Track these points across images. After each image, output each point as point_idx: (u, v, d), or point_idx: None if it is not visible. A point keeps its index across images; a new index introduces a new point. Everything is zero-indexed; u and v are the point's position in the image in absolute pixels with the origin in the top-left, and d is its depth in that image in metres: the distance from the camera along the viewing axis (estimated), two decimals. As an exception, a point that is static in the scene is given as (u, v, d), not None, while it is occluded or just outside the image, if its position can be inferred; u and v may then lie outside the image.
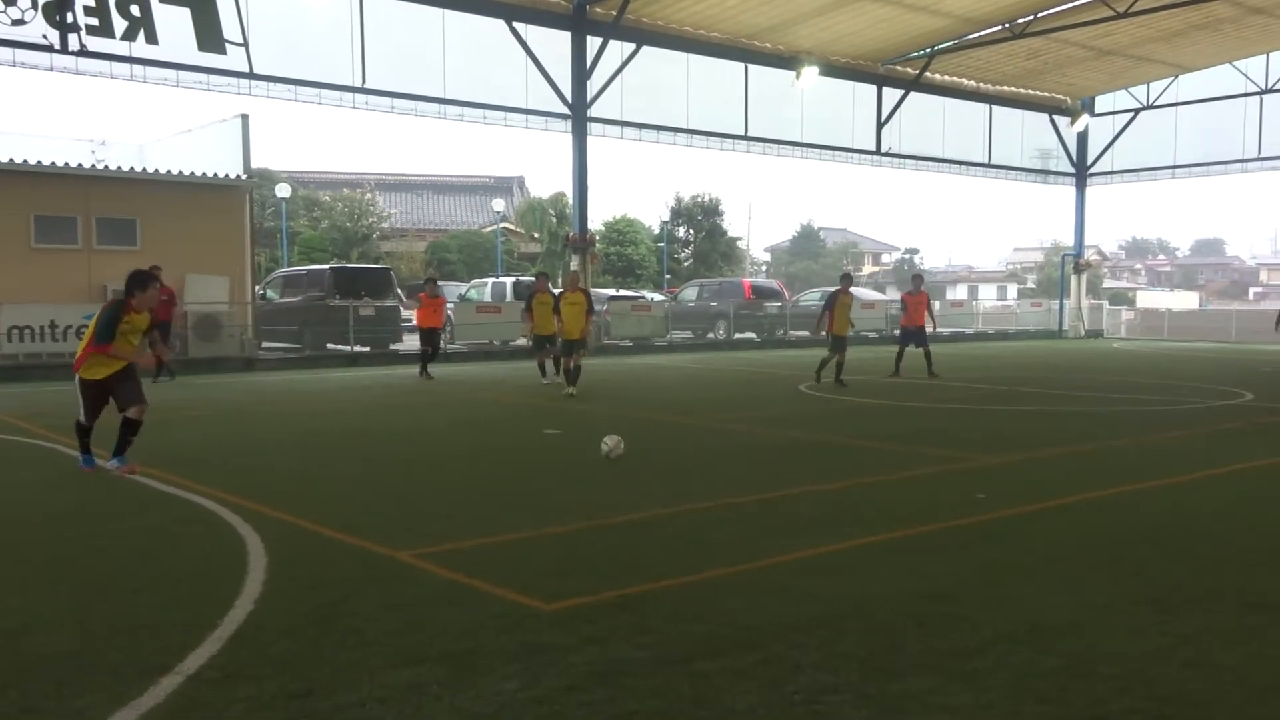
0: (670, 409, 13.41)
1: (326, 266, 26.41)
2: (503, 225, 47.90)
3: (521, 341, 25.15)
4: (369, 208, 47.43)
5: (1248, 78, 29.23)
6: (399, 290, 26.05)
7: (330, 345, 22.41)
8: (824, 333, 16.58)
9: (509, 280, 28.92)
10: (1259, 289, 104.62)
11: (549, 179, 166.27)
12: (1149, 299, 62.58)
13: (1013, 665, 4.02)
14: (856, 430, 11.32)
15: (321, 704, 3.67)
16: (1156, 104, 31.70)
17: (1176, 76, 30.54)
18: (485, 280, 30.65)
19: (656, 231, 51.95)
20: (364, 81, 21.30)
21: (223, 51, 19.52)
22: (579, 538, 6.24)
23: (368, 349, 22.44)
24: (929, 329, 18.26)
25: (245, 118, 21.01)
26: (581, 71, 23.47)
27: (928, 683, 3.82)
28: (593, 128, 23.97)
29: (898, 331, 19.62)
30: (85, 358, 8.00)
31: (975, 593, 5.07)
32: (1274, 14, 24.81)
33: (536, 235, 47.63)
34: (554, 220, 46.21)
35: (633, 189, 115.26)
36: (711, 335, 29.16)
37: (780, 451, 9.78)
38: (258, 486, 7.74)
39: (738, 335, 28.69)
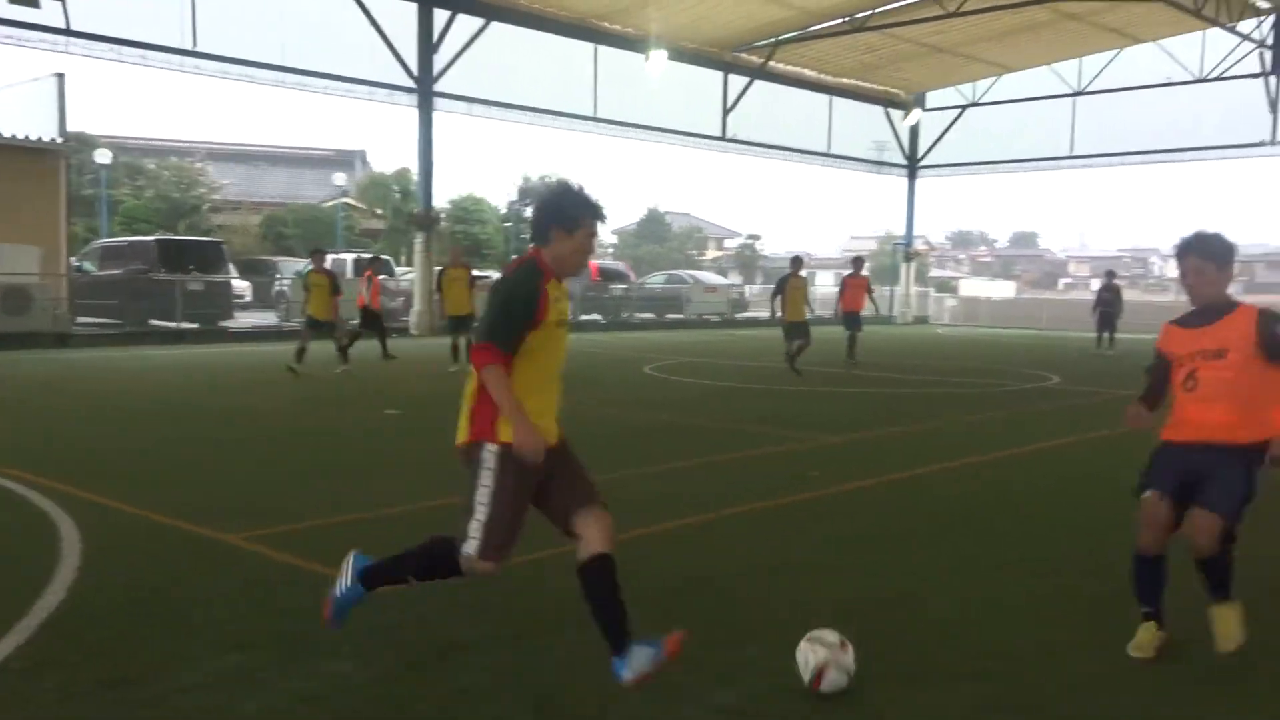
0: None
1: (151, 238, 25.00)
2: (344, 200, 46.39)
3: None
4: (199, 178, 45.05)
5: (1063, 80, 31.19)
6: (231, 265, 24.95)
7: (154, 321, 21.22)
8: (778, 315, 15.68)
9: (349, 257, 28.08)
10: (1068, 279, 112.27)
11: (393, 154, 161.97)
12: (970, 287, 66.07)
13: (847, 631, 4.22)
14: (698, 412, 11.56)
15: (139, 692, 3.51)
16: (982, 101, 33.44)
17: (1000, 76, 32.29)
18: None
19: (504, 211, 51.39)
20: (195, 44, 20.18)
21: (36, 5, 18.11)
22: (419, 518, 6.14)
23: (196, 326, 21.36)
24: (870, 312, 17.82)
25: (61, 77, 19.61)
26: (428, 45, 22.94)
27: (761, 649, 3.96)
28: (439, 103, 23.47)
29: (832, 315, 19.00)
30: None
31: (809, 564, 5.28)
32: (1086, 20, 26.54)
33: (380, 211, 46.35)
34: (398, 196, 45.08)
35: (479, 167, 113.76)
36: (558, 316, 29.11)
37: (625, 432, 9.89)
38: (72, 469, 7.29)
39: (583, 317, 28.77)
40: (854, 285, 17.55)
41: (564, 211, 3.47)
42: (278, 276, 29.27)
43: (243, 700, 3.45)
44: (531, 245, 3.56)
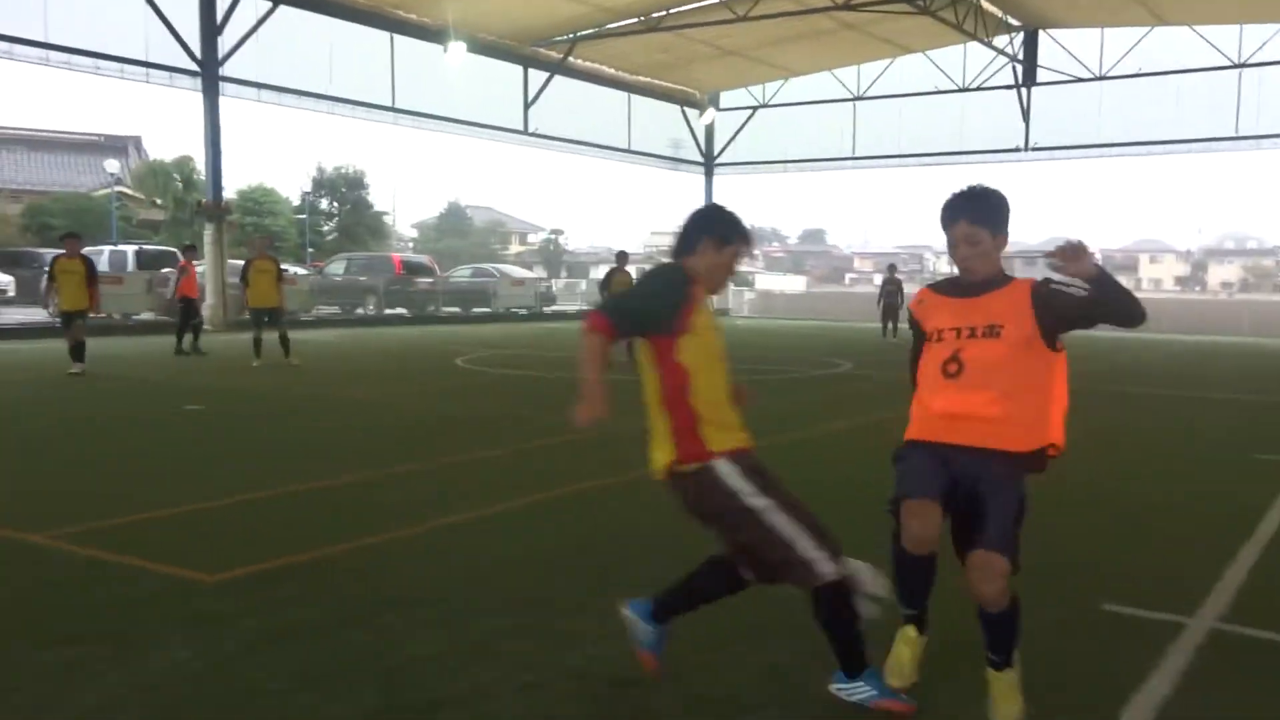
0: (327, 383, 13.04)
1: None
2: (118, 189, 43.34)
3: (146, 315, 23.20)
4: (-55, 162, 40.96)
5: (844, 85, 33.15)
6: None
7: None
8: None
9: (130, 249, 26.39)
10: (853, 274, 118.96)
11: (172, 140, 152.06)
12: (765, 281, 69.08)
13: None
14: (513, 401, 11.71)
15: (-39, 693, 3.37)
16: (771, 103, 35.05)
17: (787, 79, 33.95)
18: (101, 248, 27.68)
19: (297, 203, 49.45)
20: (-57, 15, 18.43)
21: None
22: (235, 511, 6.05)
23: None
24: None
25: None
26: (212, 26, 21.84)
27: (592, 619, 4.21)
28: (226, 88, 22.39)
29: None
30: None
31: (629, 541, 5.58)
32: (862, 30, 28.32)
33: (159, 201, 43.60)
34: (179, 186, 42.62)
35: (270, 157, 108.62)
36: (361, 310, 28.44)
37: (441, 422, 9.92)
38: None
39: (388, 311, 28.22)
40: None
41: (719, 225, 3.39)
42: (45, 270, 27.09)
43: (79, 691, 3.39)
44: (674, 257, 3.43)
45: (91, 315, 13.84)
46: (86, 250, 27.76)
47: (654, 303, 3.26)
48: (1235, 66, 27.21)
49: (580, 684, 3.55)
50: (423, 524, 5.72)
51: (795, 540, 3.10)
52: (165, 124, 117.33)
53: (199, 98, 22.07)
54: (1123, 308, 3.04)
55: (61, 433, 9.08)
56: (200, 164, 42.71)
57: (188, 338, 16.38)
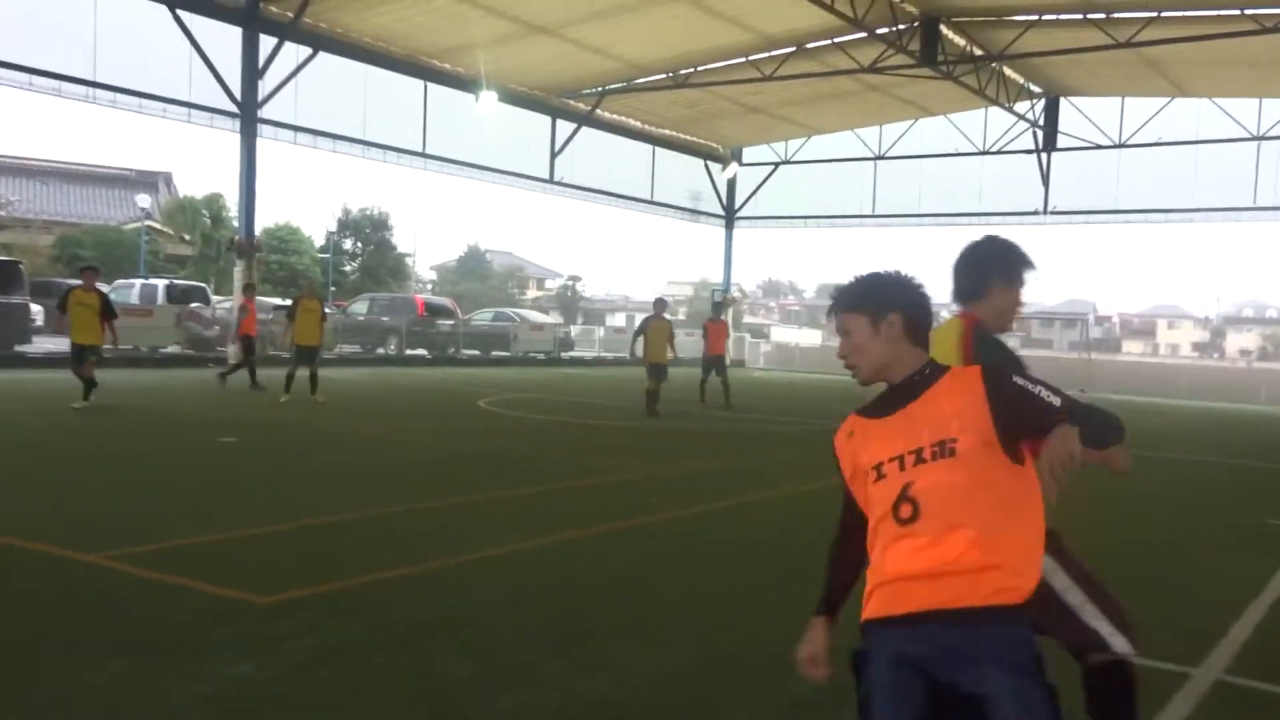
0: (353, 420, 13.33)
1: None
2: (147, 223, 44.13)
3: (173, 349, 23.63)
4: (-19, 192, 41.87)
5: (865, 144, 33.67)
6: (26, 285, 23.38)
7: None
8: (637, 356, 15.78)
9: (160, 283, 26.90)
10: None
11: (201, 177, 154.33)
12: (781, 334, 69.43)
13: (683, 631, 4.75)
14: (538, 443, 11.96)
15: (39, 692, 3.62)
16: (793, 159, 35.60)
17: (809, 137, 34.51)
18: (132, 281, 28.27)
19: (321, 242, 50.21)
20: (-4, 53, 19.10)
21: None
22: (281, 538, 6.30)
23: (-12, 350, 19.98)
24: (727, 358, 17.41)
25: None
26: (253, 70, 22.47)
27: (618, 650, 4.43)
28: (264, 129, 23.00)
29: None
30: None
31: (645, 578, 5.80)
32: (886, 92, 28.86)
33: (187, 237, 44.36)
34: (208, 222, 43.35)
35: (296, 196, 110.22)
36: (382, 350, 28.83)
37: (470, 461, 10.17)
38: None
39: (409, 352, 28.59)
40: (715, 330, 17.48)
41: (1009, 262, 3.18)
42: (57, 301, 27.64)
43: (145, 698, 3.62)
44: (958, 308, 3.21)
45: (106, 348, 13.56)
46: (119, 283, 28.53)
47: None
48: (1254, 139, 27.55)
49: (613, 709, 3.76)
50: (460, 555, 5.96)
51: (1091, 616, 2.98)
52: (195, 161, 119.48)
53: (229, 135, 22.66)
54: (1099, 429, 2.22)
55: (101, 460, 9.36)
56: (229, 201, 43.80)
57: (259, 373, 16.58)
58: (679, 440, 12.98)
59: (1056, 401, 2.27)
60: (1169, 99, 27.82)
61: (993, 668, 2.18)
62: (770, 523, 7.66)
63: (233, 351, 19.17)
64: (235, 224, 43.02)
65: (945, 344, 3.04)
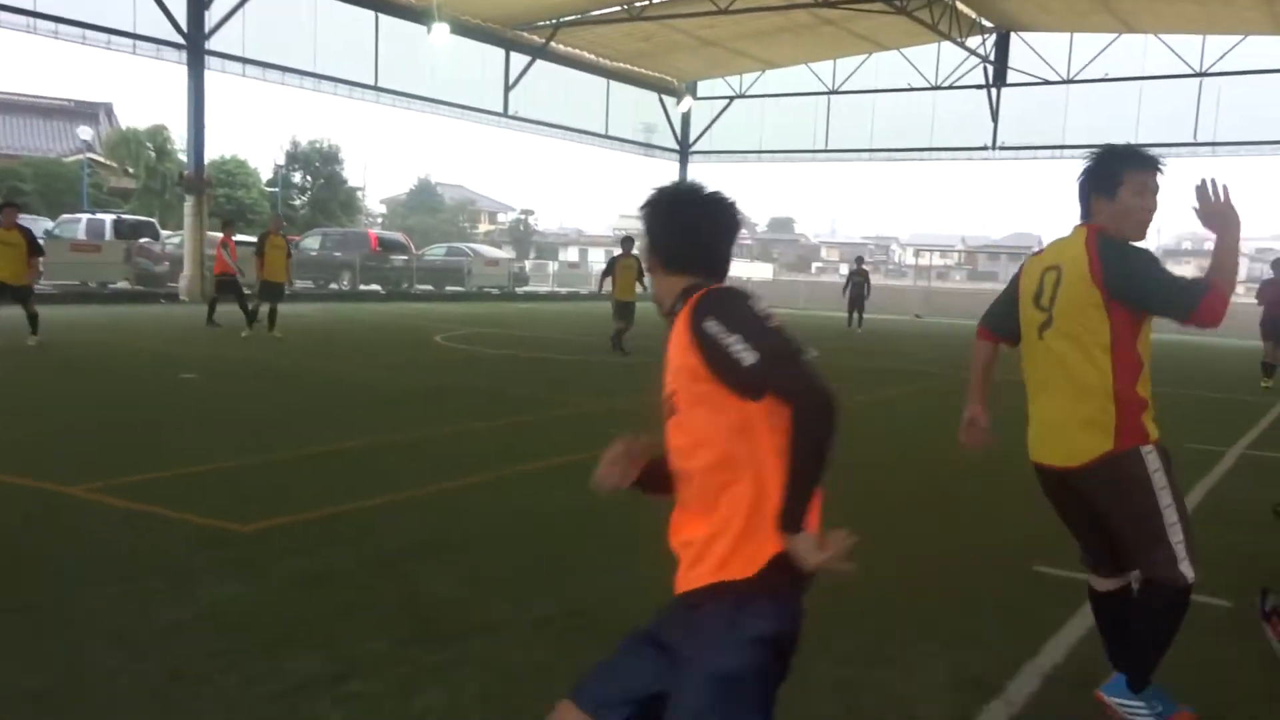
0: (313, 356, 13.46)
1: None
2: (89, 156, 43.08)
3: (122, 284, 23.35)
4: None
5: (819, 79, 33.75)
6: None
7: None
8: (606, 292, 15.72)
9: (108, 218, 26.42)
10: (820, 264, 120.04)
11: (143, 108, 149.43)
12: (732, 268, 69.76)
13: (642, 553, 5.11)
14: (497, 378, 12.22)
15: (48, 615, 3.87)
16: (748, 94, 35.58)
17: (764, 71, 34.48)
18: (78, 216, 27.71)
19: (269, 176, 49.31)
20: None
21: None
22: (254, 471, 6.53)
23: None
24: None
25: None
26: (199, 0, 21.99)
27: (584, 569, 4.77)
28: (211, 61, 22.56)
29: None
30: None
31: (614, 504, 6.13)
32: (840, 26, 28.89)
33: (131, 170, 43.34)
34: (151, 155, 42.36)
35: (243, 128, 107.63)
36: (335, 286, 28.70)
37: (432, 395, 10.42)
38: None
39: (363, 287, 28.50)
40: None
41: (1139, 155, 3.17)
42: None
43: (148, 617, 3.89)
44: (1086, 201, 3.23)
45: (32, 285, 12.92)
46: (64, 218, 27.95)
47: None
48: (1196, 75, 28.09)
49: (576, 621, 4.11)
50: (433, 485, 6.26)
51: (1176, 536, 3.07)
52: (137, 91, 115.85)
53: (171, 66, 22.19)
54: (801, 471, 1.88)
55: (62, 398, 9.45)
56: (173, 132, 42.79)
57: (230, 309, 16.25)
58: (633, 374, 13.32)
59: (749, 359, 1.88)
60: (1116, 35, 28.20)
61: (679, 658, 1.98)
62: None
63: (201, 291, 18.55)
64: (181, 157, 42.17)
65: (1071, 251, 3.16)
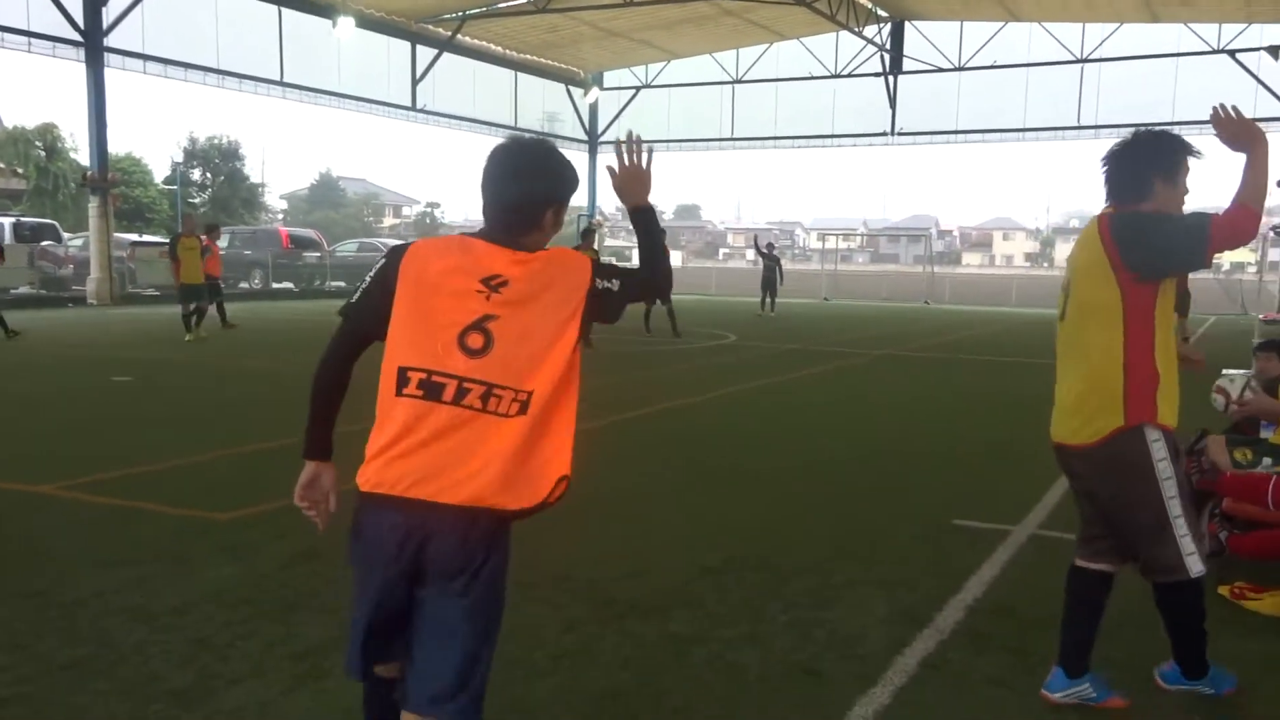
0: (242, 354, 13.50)
1: None
2: (-27, 156, 41.34)
3: (24, 289, 22.73)
4: None
5: (723, 68, 34.48)
6: None
7: None
8: None
9: (7, 221, 25.59)
10: (727, 249, 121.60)
11: (30, 107, 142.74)
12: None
13: (611, 522, 5.58)
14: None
15: (57, 598, 4.14)
16: (654, 84, 36.13)
17: (669, 61, 35.06)
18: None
19: (166, 173, 48.06)
20: None
21: None
22: (217, 465, 6.77)
23: None
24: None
25: None
26: (96, -4, 21.51)
27: (559, 537, 5.19)
28: (110, 59, 22.08)
29: None
30: None
31: (574, 481, 6.55)
32: (741, 16, 29.63)
33: (20, 170, 41.78)
34: (42, 155, 40.94)
35: (136, 125, 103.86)
36: (246, 285, 28.32)
37: (366, 387, 10.61)
38: None
39: (275, 285, 28.19)
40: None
41: (1169, 155, 3.11)
42: None
43: (160, 597, 4.19)
44: (1111, 204, 3.19)
45: None
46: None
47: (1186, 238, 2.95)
48: (1078, 61, 29.64)
49: (560, 583, 4.54)
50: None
51: (1181, 531, 3.05)
52: (22, 89, 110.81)
53: (59, 63, 21.69)
54: None
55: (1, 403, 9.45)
56: (64, 131, 41.47)
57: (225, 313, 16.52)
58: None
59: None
60: (1003, 23, 29.56)
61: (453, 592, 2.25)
62: (655, 431, 8.53)
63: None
64: (73, 156, 40.93)
65: (1088, 242, 3.17)
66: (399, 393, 2.20)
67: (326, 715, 3.27)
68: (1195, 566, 3.08)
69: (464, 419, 2.15)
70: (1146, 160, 3.12)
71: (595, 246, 15.40)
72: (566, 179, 2.39)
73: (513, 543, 2.41)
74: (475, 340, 2.16)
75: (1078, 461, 3.21)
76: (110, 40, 21.91)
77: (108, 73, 22.02)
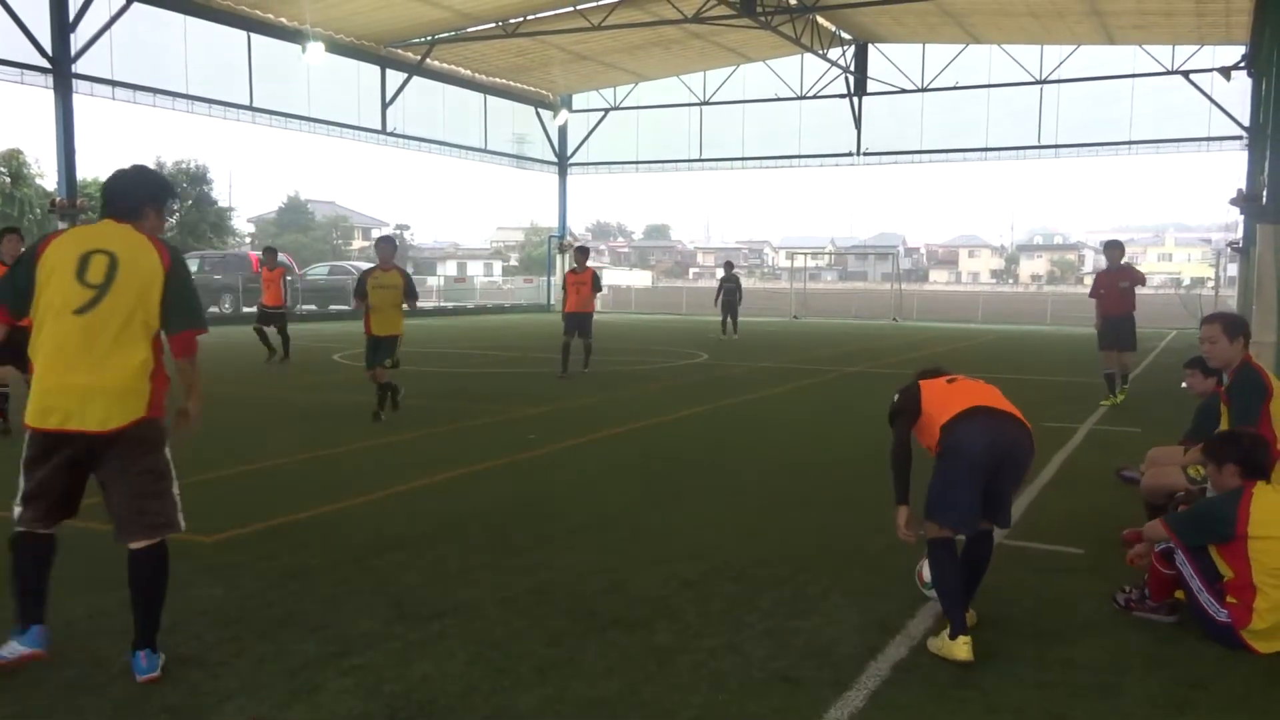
0: (218, 379, 13.40)
1: None
2: (-64, 182, 40.87)
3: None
4: None
5: (691, 90, 34.86)
6: None
7: None
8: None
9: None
10: (696, 269, 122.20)
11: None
12: (612, 276, 70.64)
13: (589, 538, 5.69)
14: (411, 392, 12.54)
15: (61, 618, 4.20)
16: (622, 105, 36.43)
17: (637, 83, 35.40)
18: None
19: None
20: None
21: None
22: (197, 489, 6.79)
23: None
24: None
25: None
26: (64, 22, 21.43)
27: (539, 554, 5.31)
28: (79, 85, 22.00)
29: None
30: None
31: (552, 499, 6.68)
32: (708, 39, 30.02)
33: (-17, 196, 41.37)
34: (7, 181, 40.55)
35: (102, 150, 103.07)
36: (216, 309, 28.19)
37: (350, 411, 10.69)
38: None
39: (246, 309, 28.06)
40: (576, 283, 14.53)
41: None
42: None
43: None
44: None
45: None
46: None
47: None
48: (1037, 83, 30.25)
49: (541, 597, 4.65)
50: (379, 491, 6.69)
51: None
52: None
53: (23, 89, 21.59)
54: None
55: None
56: (30, 156, 41.11)
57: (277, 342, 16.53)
58: (531, 385, 13.82)
59: None
60: (964, 45, 30.14)
61: None
62: (628, 450, 8.66)
63: None
64: (39, 182, 40.55)
65: None
66: None
67: (322, 728, 3.36)
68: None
69: None
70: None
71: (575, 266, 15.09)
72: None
73: (496, 557, 2.52)
74: None
75: None
76: (79, 66, 21.83)
77: (76, 99, 21.94)
